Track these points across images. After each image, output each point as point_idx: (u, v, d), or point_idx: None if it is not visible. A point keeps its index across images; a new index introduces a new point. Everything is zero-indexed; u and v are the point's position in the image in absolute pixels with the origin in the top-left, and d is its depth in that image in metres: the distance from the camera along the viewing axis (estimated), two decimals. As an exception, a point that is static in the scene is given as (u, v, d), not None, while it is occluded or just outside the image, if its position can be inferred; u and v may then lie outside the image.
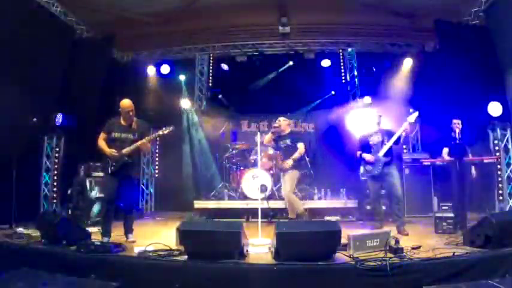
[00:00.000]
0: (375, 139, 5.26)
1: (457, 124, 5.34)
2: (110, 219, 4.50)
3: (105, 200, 4.62)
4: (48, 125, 6.36)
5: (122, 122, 4.54)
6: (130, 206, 4.71)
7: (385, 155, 5.07)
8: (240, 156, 7.43)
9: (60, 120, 6.38)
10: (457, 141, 5.14)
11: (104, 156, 4.45)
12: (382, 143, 5.15)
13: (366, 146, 5.33)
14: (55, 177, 6.54)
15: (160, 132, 4.57)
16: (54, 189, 6.51)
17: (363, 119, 7.37)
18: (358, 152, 5.41)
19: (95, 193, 6.10)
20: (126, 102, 4.51)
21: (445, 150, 5.49)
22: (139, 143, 4.44)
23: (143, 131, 4.58)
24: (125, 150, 4.40)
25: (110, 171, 4.42)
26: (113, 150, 4.38)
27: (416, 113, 5.06)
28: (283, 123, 5.77)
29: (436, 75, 7.38)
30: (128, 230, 4.59)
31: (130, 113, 4.52)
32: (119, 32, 7.41)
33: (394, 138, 5.05)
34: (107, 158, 4.42)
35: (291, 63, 8.47)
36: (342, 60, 8.57)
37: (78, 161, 6.59)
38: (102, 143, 4.48)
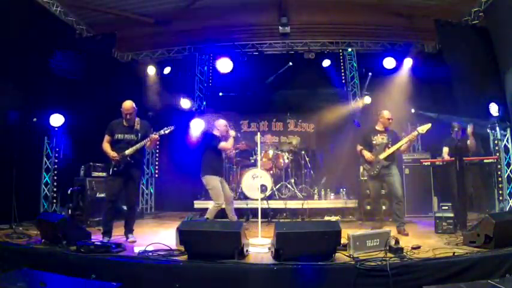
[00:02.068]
0: (378, 139, 5.12)
1: (456, 128, 5.34)
2: (112, 218, 4.51)
3: (107, 199, 4.64)
4: (48, 125, 6.35)
5: (125, 123, 4.57)
6: (132, 206, 4.72)
7: (386, 158, 4.98)
8: (240, 156, 7.44)
9: (61, 120, 6.37)
10: (457, 142, 5.13)
11: (107, 158, 4.48)
12: (386, 145, 5.01)
13: (368, 144, 5.20)
14: (55, 177, 6.53)
15: (162, 132, 4.59)
16: (54, 189, 6.50)
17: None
18: (359, 147, 5.26)
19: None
20: (127, 104, 4.53)
21: (445, 150, 5.49)
22: (142, 143, 4.47)
23: (146, 130, 4.63)
24: (127, 151, 4.43)
25: (112, 172, 4.44)
26: (115, 153, 4.40)
27: (429, 125, 4.84)
28: None
29: (435, 75, 7.39)
30: (129, 230, 4.60)
31: (132, 114, 4.55)
32: (119, 32, 7.42)
33: (399, 145, 4.94)
34: (110, 159, 4.45)
35: (290, 63, 8.45)
36: (341, 60, 8.55)
37: (78, 161, 6.60)
38: (106, 145, 4.50)
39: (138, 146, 4.47)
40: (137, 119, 4.63)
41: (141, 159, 4.93)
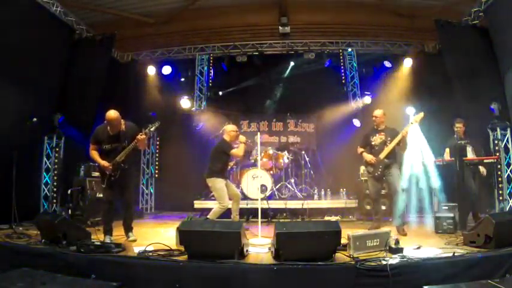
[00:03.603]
0: (377, 139, 5.10)
1: (459, 126, 5.32)
2: (111, 218, 4.52)
3: (105, 201, 4.64)
4: (48, 125, 6.35)
5: (110, 132, 4.38)
6: (128, 206, 4.67)
7: (387, 156, 4.96)
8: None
9: (60, 121, 6.37)
10: (458, 142, 5.12)
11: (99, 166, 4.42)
12: (385, 144, 5.00)
13: (368, 145, 5.20)
14: (55, 177, 6.53)
15: (147, 130, 4.39)
16: (54, 189, 6.49)
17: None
18: (360, 150, 5.26)
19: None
20: (111, 114, 4.29)
21: (448, 151, 5.47)
22: (131, 146, 4.31)
23: (133, 134, 4.37)
24: (118, 158, 4.31)
25: (108, 182, 4.38)
26: (106, 163, 4.30)
27: (421, 114, 4.80)
28: None
29: (435, 75, 7.38)
30: (128, 229, 4.60)
31: (115, 124, 4.34)
32: (119, 32, 7.42)
33: (396, 140, 4.91)
34: (102, 169, 4.39)
35: (292, 63, 8.45)
36: (341, 60, 8.56)
37: (78, 161, 6.60)
38: (94, 154, 4.39)
39: (127, 150, 4.32)
40: (123, 121, 4.42)
41: (134, 161, 4.88)
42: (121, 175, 4.38)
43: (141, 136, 4.26)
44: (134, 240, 4.41)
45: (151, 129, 4.46)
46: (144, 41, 8.41)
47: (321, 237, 3.32)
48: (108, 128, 4.36)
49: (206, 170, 5.28)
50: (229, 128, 5.43)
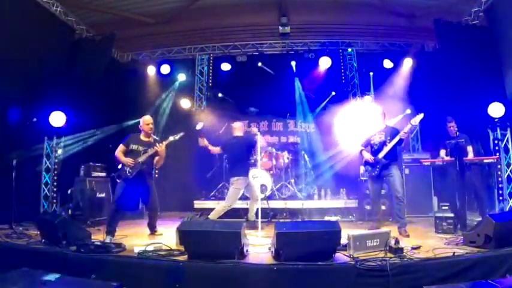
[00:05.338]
0: (376, 138, 5.11)
1: (451, 125, 5.33)
2: (117, 219, 4.63)
3: (114, 200, 4.71)
4: (48, 125, 6.34)
5: (142, 137, 4.88)
6: (155, 207, 5.04)
7: (385, 156, 4.95)
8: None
9: (60, 120, 6.36)
10: (455, 142, 5.12)
11: (121, 164, 4.72)
12: (384, 143, 4.99)
13: (367, 144, 5.22)
14: (55, 177, 6.52)
15: (171, 138, 4.82)
16: (54, 189, 6.48)
17: (366, 117, 7.35)
18: (360, 148, 5.28)
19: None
20: (147, 117, 4.97)
21: (442, 152, 5.47)
22: (154, 148, 4.72)
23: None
24: (140, 159, 4.67)
25: (124, 178, 4.62)
26: (129, 159, 4.65)
27: (421, 115, 4.78)
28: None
29: (435, 75, 7.38)
30: (153, 227, 5.04)
31: (151, 126, 4.90)
32: (119, 32, 7.42)
33: (396, 140, 4.89)
34: (123, 166, 4.67)
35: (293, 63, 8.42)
36: (341, 60, 8.54)
37: (78, 161, 6.59)
38: (119, 154, 4.73)
39: (150, 152, 4.73)
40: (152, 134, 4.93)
41: (152, 165, 5.09)
42: (138, 174, 4.64)
43: (162, 145, 4.76)
44: (160, 234, 4.96)
45: (176, 138, 4.87)
46: (144, 41, 8.42)
47: (321, 237, 3.32)
48: (141, 134, 4.90)
49: (234, 172, 5.41)
50: (238, 125, 5.64)
